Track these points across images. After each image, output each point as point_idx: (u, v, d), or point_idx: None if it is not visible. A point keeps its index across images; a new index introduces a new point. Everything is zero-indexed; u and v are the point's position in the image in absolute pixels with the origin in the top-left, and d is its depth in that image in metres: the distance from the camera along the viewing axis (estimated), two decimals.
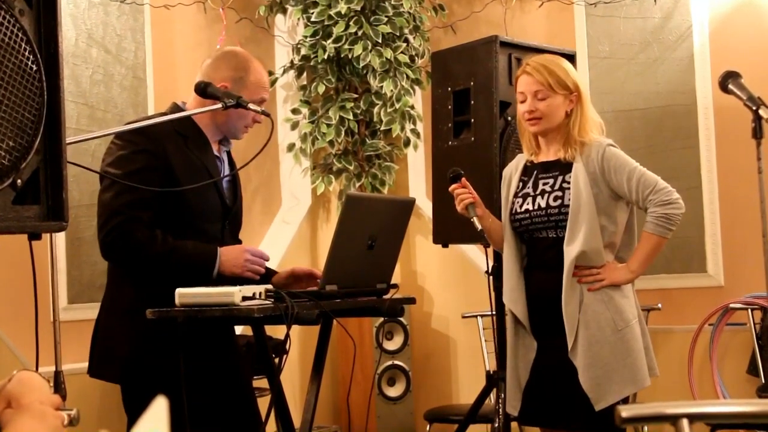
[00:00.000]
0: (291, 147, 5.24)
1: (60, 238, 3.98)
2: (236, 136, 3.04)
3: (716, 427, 3.53)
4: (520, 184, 3.16)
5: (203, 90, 2.83)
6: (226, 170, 3.04)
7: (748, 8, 4.67)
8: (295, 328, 2.73)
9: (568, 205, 3.00)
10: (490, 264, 3.53)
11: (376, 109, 5.12)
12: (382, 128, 5.15)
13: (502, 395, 3.37)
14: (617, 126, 4.79)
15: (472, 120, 3.56)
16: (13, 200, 1.54)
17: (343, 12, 4.97)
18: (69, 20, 4.24)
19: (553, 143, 3.12)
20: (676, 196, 3.00)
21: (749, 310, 4.34)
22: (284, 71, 5.23)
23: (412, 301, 3.25)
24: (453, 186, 3.13)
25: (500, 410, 3.41)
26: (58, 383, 3.25)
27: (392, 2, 5.08)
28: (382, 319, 4.95)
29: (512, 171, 3.22)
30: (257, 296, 2.61)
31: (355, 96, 5.19)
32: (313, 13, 5.05)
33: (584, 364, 2.95)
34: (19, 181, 1.54)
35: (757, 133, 3.01)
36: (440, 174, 3.52)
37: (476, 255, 4.99)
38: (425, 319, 5.34)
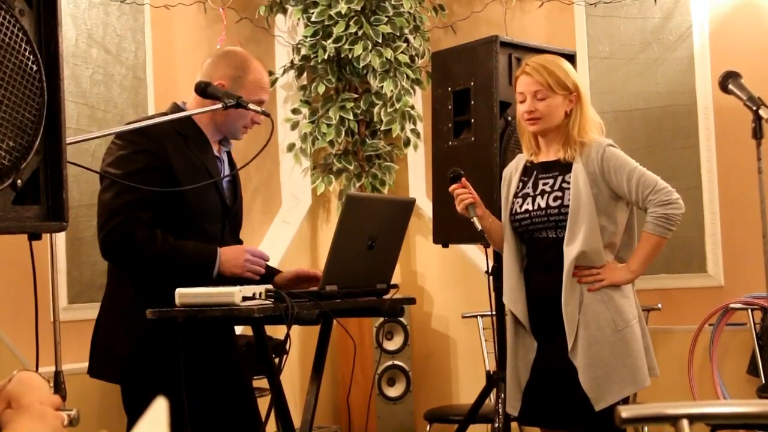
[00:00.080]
0: (291, 147, 5.24)
1: (60, 238, 3.98)
2: (235, 136, 3.04)
3: (716, 427, 3.53)
4: (520, 184, 3.16)
5: (203, 90, 2.83)
6: (226, 170, 3.04)
7: (748, 8, 4.67)
8: (295, 329, 2.73)
9: (567, 206, 3.00)
10: (490, 264, 3.53)
11: (376, 109, 5.12)
12: (382, 128, 5.16)
13: (502, 395, 3.37)
14: (617, 126, 4.79)
15: (473, 120, 3.56)
16: (13, 200, 1.54)
17: (343, 12, 4.97)
18: (69, 20, 4.24)
19: (553, 143, 3.12)
20: (676, 196, 3.00)
21: (749, 310, 4.34)
22: (284, 71, 5.23)
23: (412, 301, 3.24)
24: (453, 186, 3.13)
25: (500, 410, 3.41)
26: (58, 383, 3.26)
27: (392, 2, 5.08)
28: (382, 319, 4.95)
29: (512, 171, 3.22)
30: (257, 296, 2.61)
31: (356, 96, 5.19)
32: (313, 13, 5.05)
33: (584, 365, 2.95)
34: (19, 181, 1.54)
35: (757, 134, 3.01)
36: (440, 174, 3.52)
37: (476, 255, 4.99)
38: (425, 319, 5.34)
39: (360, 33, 5.00)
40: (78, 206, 4.14)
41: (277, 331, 3.41)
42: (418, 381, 5.19)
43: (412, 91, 5.19)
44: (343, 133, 5.16)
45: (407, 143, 5.24)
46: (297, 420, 2.95)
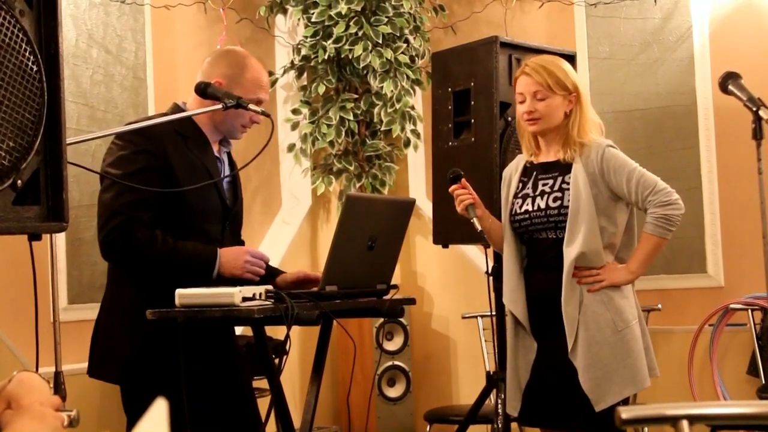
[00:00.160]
0: (291, 147, 5.24)
1: (60, 238, 3.98)
2: (234, 136, 3.04)
3: (716, 428, 3.52)
4: (520, 184, 3.16)
5: (203, 90, 2.84)
6: (227, 171, 3.04)
7: (748, 9, 4.67)
8: (295, 329, 2.73)
9: (567, 206, 3.00)
10: (490, 264, 3.53)
11: (376, 110, 5.12)
12: (383, 129, 5.16)
13: (502, 396, 3.36)
14: (617, 127, 4.79)
15: (473, 120, 3.56)
16: (13, 201, 1.54)
17: (343, 12, 4.97)
18: (69, 21, 4.24)
19: (553, 144, 3.12)
20: (676, 197, 3.00)
21: (749, 311, 4.35)
22: (284, 72, 5.23)
23: (412, 301, 3.24)
24: (453, 187, 3.14)
25: (500, 411, 3.41)
26: (58, 384, 3.26)
27: (392, 3, 5.08)
28: (382, 319, 4.95)
29: (512, 172, 3.22)
30: (257, 297, 2.61)
31: (356, 96, 5.19)
32: (313, 14, 5.05)
33: (584, 365, 2.95)
34: (19, 181, 1.54)
35: (757, 134, 3.02)
36: (440, 174, 3.52)
37: (476, 255, 4.99)
38: (425, 319, 5.34)
39: (360, 33, 5.00)
40: (78, 206, 4.14)
41: (277, 332, 3.41)
42: (418, 381, 5.19)
43: (412, 91, 5.19)
44: (344, 133, 5.16)
45: (407, 144, 5.24)
46: (297, 420, 2.95)
